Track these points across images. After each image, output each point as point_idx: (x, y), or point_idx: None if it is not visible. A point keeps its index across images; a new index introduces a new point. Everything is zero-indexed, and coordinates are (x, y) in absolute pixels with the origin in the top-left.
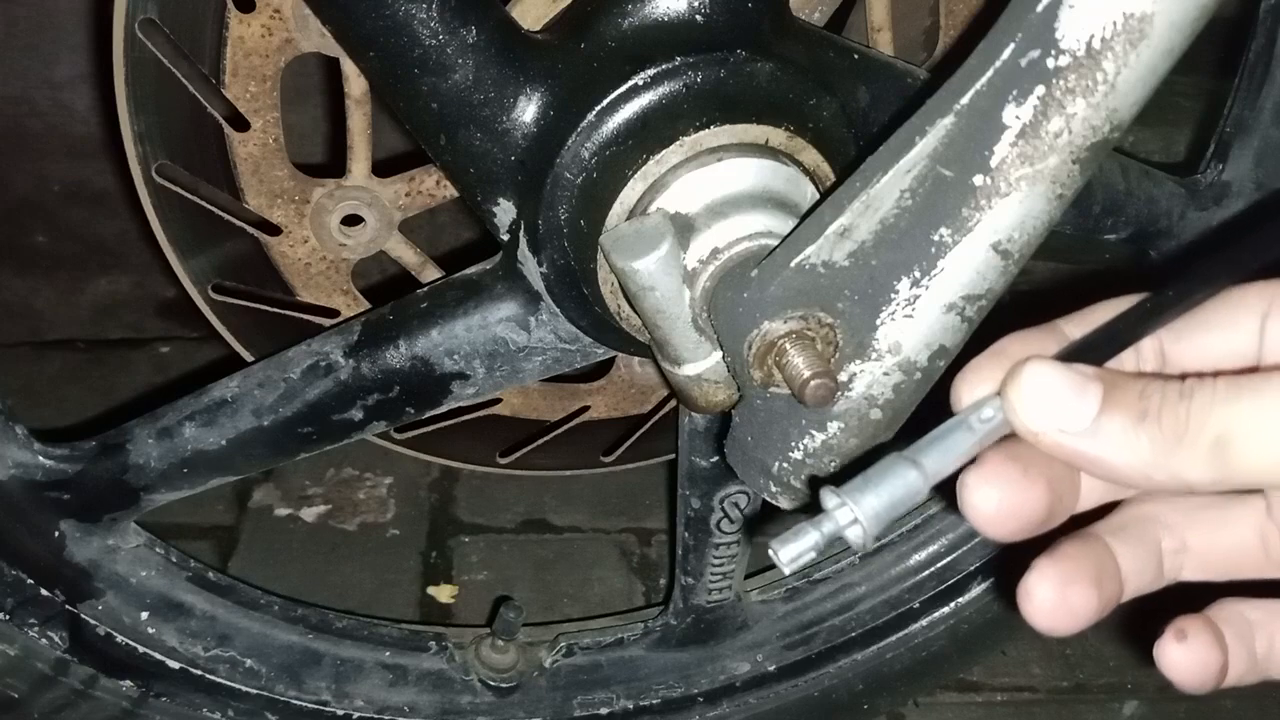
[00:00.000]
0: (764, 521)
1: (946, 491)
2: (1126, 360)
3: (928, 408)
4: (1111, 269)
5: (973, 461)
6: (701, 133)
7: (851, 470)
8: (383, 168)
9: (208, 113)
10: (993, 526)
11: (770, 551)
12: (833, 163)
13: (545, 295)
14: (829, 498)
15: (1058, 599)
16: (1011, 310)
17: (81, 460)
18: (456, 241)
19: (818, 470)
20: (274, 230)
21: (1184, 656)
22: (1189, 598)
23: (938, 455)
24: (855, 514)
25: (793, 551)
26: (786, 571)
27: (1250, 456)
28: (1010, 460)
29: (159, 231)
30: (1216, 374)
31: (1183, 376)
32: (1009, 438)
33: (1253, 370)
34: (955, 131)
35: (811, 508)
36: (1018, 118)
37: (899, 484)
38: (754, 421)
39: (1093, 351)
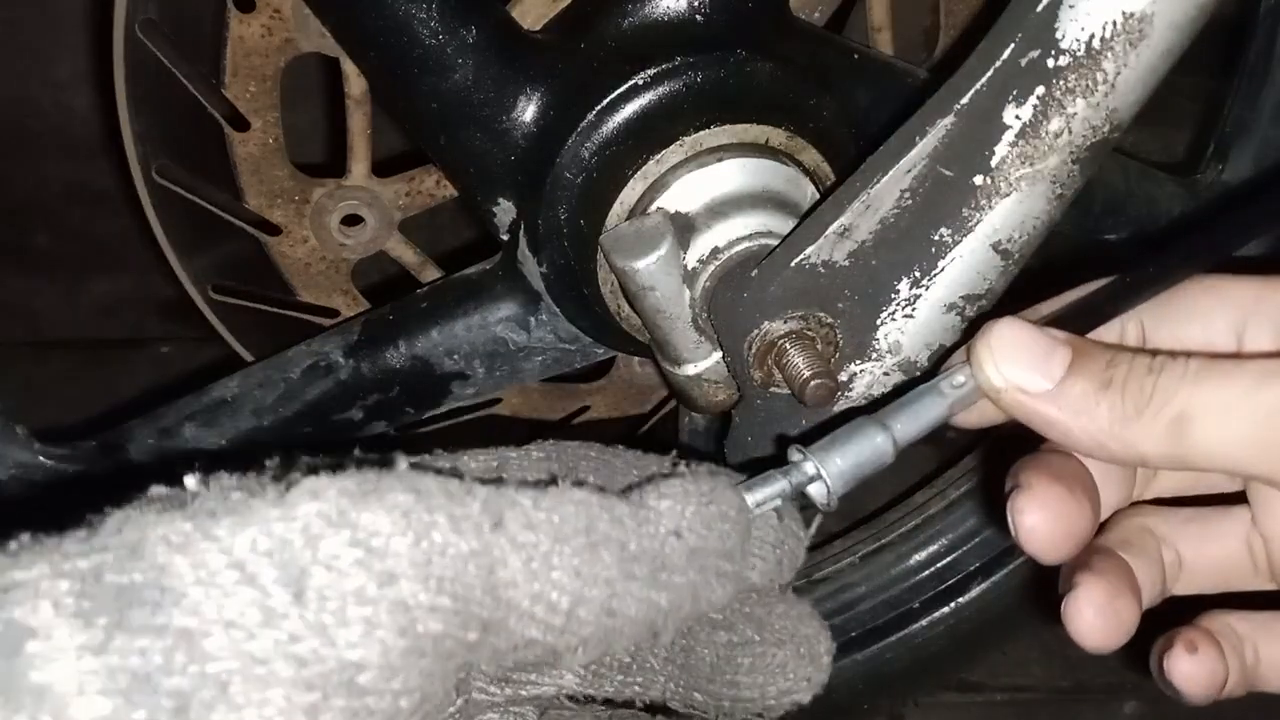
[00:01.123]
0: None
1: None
2: (1108, 339)
3: None
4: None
5: (1014, 488)
6: (701, 132)
7: (823, 430)
8: (383, 168)
9: (208, 113)
10: (1050, 551)
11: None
12: (833, 162)
13: (545, 295)
14: (795, 454)
15: (1109, 614)
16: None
17: (81, 460)
18: (456, 241)
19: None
20: (274, 230)
21: (1195, 669)
22: (1176, 608)
23: (907, 419)
24: (820, 472)
25: (759, 496)
26: (751, 513)
27: (1208, 437)
28: (1055, 480)
29: (159, 231)
30: (1189, 354)
31: (1154, 352)
32: (1043, 456)
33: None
34: (955, 131)
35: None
36: (1018, 118)
37: (866, 446)
38: (754, 421)
39: (1069, 323)
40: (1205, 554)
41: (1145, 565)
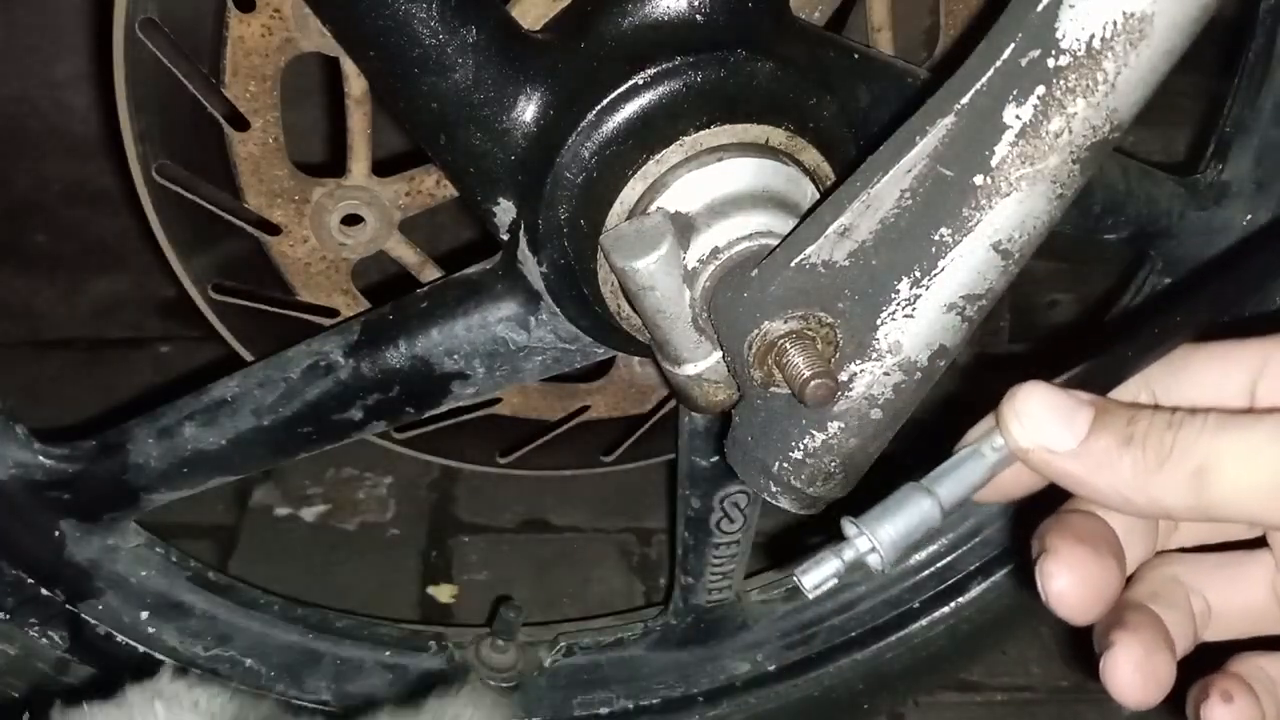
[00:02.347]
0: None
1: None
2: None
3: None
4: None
5: (1040, 552)
6: (702, 132)
7: (870, 500)
8: (383, 168)
9: (208, 112)
10: (1082, 612)
11: (795, 579)
12: (833, 162)
13: (545, 295)
14: (848, 527)
15: (1147, 671)
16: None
17: (81, 460)
18: (456, 241)
19: (818, 470)
20: (274, 230)
21: (1233, 717)
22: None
23: (951, 484)
24: (873, 542)
25: (815, 578)
26: (810, 597)
27: (1228, 488)
28: (1080, 541)
29: (159, 231)
30: (1208, 410)
31: (1174, 409)
32: (1066, 515)
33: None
34: (956, 131)
35: (833, 535)
36: (1018, 117)
37: (915, 512)
38: (754, 421)
39: (1088, 385)
40: (1233, 601)
41: (1176, 616)
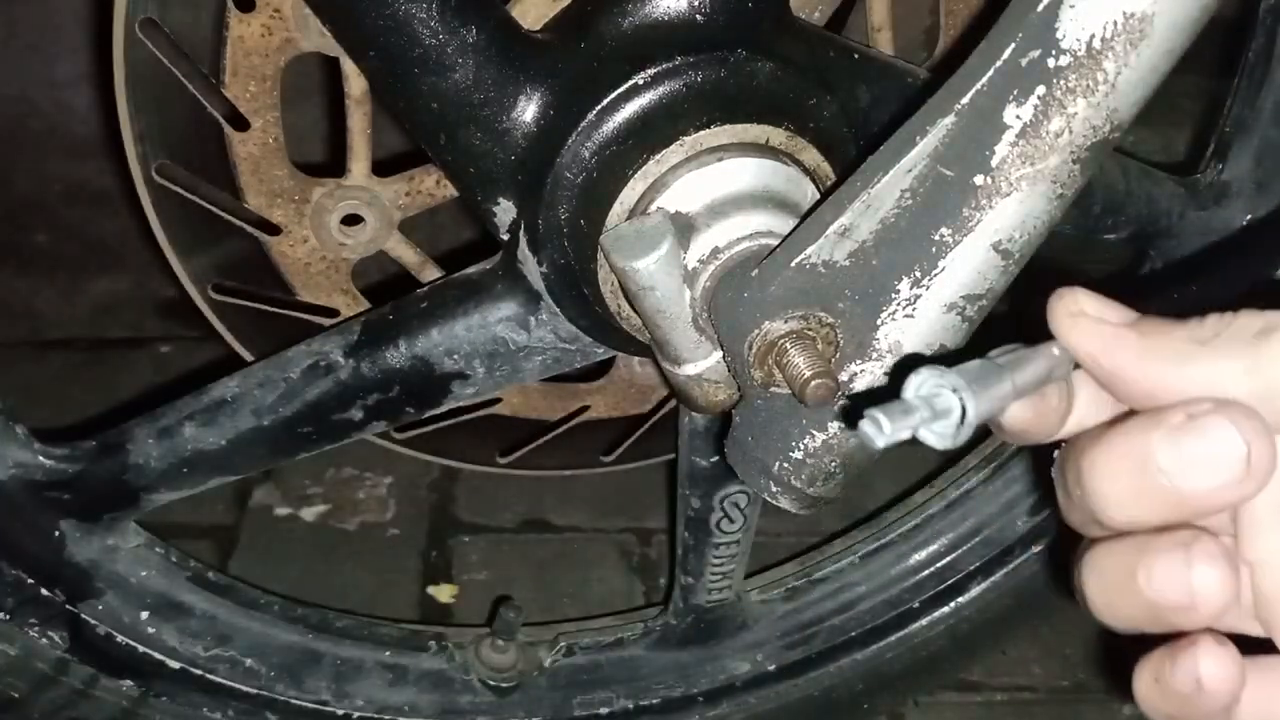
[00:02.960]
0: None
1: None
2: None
3: None
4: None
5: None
6: (702, 132)
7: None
8: (383, 168)
9: (208, 112)
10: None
11: (867, 419)
12: (833, 162)
13: (545, 295)
14: (931, 376)
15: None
16: None
17: (81, 460)
18: (456, 241)
19: (819, 470)
20: (274, 230)
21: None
22: None
23: (1024, 373)
24: (962, 400)
25: (891, 430)
26: (879, 445)
27: None
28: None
29: (159, 231)
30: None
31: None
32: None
33: None
34: (956, 131)
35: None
36: (1018, 117)
37: (995, 390)
38: (754, 421)
39: None
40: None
41: None
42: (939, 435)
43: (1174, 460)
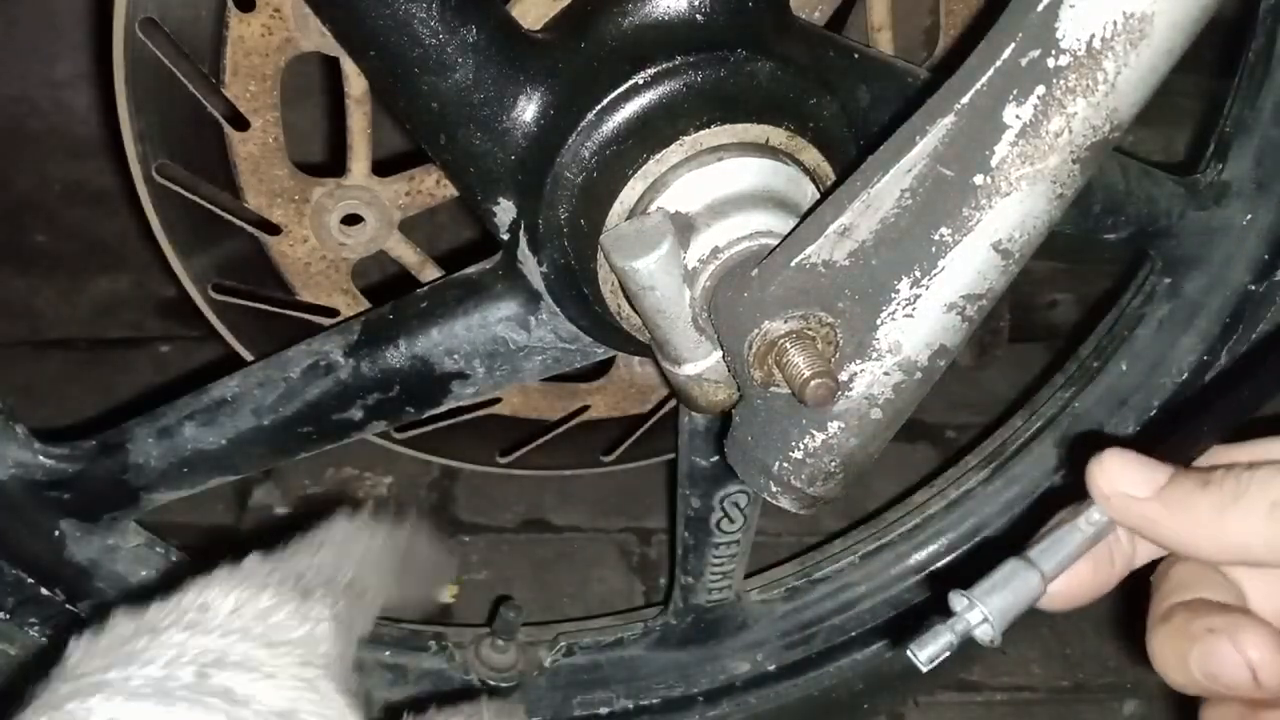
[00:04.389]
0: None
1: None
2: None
3: None
4: None
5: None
6: (702, 132)
7: (975, 575)
8: (383, 167)
9: (208, 112)
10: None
11: (909, 653)
12: (833, 162)
13: (545, 295)
14: (959, 601)
15: None
16: None
17: (81, 460)
18: (456, 241)
19: (819, 469)
20: (274, 229)
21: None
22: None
23: (1052, 556)
24: (985, 614)
25: (931, 652)
26: (924, 670)
27: None
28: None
29: (159, 231)
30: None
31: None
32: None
33: None
34: (956, 131)
35: (942, 610)
36: (1018, 117)
37: (1021, 585)
38: (754, 421)
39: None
40: None
41: None
42: (979, 639)
43: (1202, 668)
